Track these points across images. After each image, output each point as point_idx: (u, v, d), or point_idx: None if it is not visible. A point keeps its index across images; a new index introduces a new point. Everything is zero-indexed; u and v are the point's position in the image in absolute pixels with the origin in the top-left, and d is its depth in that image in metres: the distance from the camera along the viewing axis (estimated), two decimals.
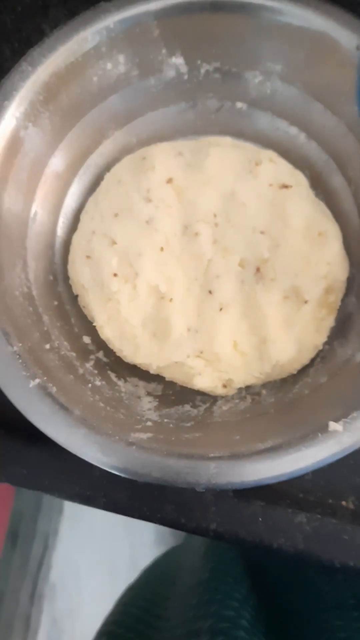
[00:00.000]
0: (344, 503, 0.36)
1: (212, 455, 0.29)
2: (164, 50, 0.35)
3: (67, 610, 1.16)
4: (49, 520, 1.17)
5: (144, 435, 0.31)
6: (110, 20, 0.33)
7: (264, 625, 0.42)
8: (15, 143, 0.33)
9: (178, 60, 0.36)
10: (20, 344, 0.31)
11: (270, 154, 0.37)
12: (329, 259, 0.34)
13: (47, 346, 0.34)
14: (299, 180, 0.36)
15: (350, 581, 0.42)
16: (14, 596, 1.08)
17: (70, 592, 1.18)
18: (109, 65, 0.35)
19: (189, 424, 0.33)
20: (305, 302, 0.34)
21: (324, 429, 0.29)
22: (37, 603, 1.13)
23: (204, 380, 0.34)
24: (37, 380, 0.30)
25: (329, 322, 0.35)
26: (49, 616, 1.14)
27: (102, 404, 0.33)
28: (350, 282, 0.36)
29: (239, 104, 0.38)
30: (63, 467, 0.35)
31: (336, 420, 0.29)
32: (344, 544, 0.33)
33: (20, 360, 0.31)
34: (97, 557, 1.18)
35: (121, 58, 0.35)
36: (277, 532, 0.34)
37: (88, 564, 1.18)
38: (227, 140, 0.37)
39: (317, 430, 0.29)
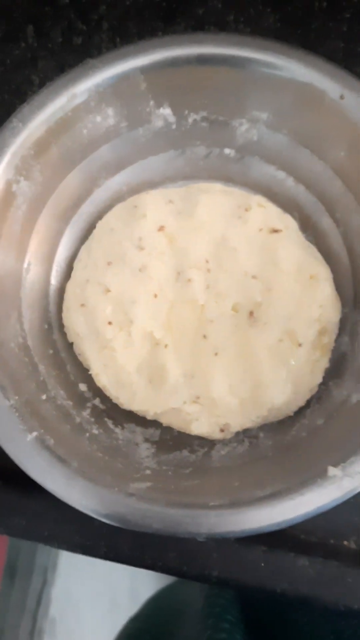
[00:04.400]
0: (345, 543, 0.36)
1: (212, 503, 0.29)
2: (151, 102, 0.36)
3: None
4: (48, 554, 1.16)
5: (143, 485, 0.31)
6: (99, 76, 0.34)
7: None
8: (7, 198, 0.34)
9: (166, 111, 0.37)
10: (17, 397, 0.31)
11: (259, 198, 0.38)
12: (321, 302, 0.35)
13: (44, 397, 0.34)
14: (288, 224, 0.37)
15: (329, 618, 0.42)
16: (14, 633, 1.05)
17: (71, 627, 1.16)
18: (98, 118, 0.36)
19: (187, 471, 0.33)
20: (299, 345, 0.35)
21: (323, 474, 0.29)
22: (37, 639, 1.11)
23: (202, 426, 0.34)
24: (35, 433, 0.30)
25: (324, 363, 0.35)
26: None
27: (100, 454, 0.33)
28: (343, 322, 0.36)
29: (227, 150, 0.39)
30: (62, 517, 0.35)
31: (335, 464, 0.29)
32: (347, 587, 0.33)
33: (17, 414, 0.31)
34: (97, 590, 1.16)
35: (110, 111, 0.36)
36: (280, 577, 0.34)
37: (88, 597, 1.16)
38: (217, 186, 0.38)
39: (316, 475, 0.29)
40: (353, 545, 0.36)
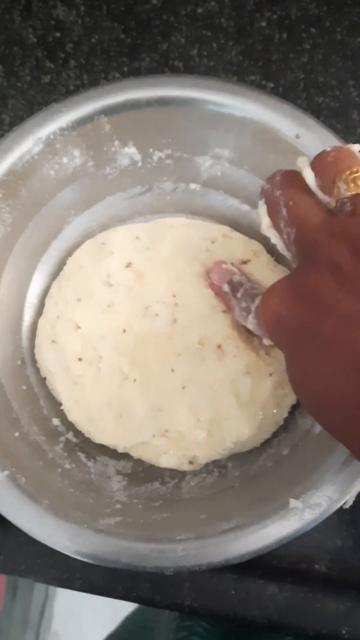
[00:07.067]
0: (316, 567, 0.37)
1: (179, 537, 0.30)
2: (116, 142, 0.37)
3: None
4: None
5: (113, 520, 0.32)
6: (63, 120, 0.35)
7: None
8: None
9: (131, 150, 0.38)
10: None
11: (224, 229, 0.38)
12: None
13: (17, 434, 0.34)
14: (257, 251, 0.38)
15: None
16: None
17: None
18: (65, 160, 0.37)
19: (157, 504, 0.34)
20: (270, 374, 0.35)
21: (285, 505, 0.30)
22: None
23: (170, 459, 0.35)
24: (6, 472, 0.31)
25: (291, 398, 0.36)
26: None
27: (71, 489, 0.33)
28: None
29: (193, 185, 0.40)
30: (38, 551, 0.36)
31: (297, 495, 0.30)
32: (315, 612, 0.34)
33: None
34: (99, 603, 1.16)
35: (76, 152, 0.37)
36: (250, 605, 0.35)
37: (90, 610, 1.17)
38: (182, 220, 0.39)
39: (279, 507, 0.30)
40: (323, 569, 0.37)
